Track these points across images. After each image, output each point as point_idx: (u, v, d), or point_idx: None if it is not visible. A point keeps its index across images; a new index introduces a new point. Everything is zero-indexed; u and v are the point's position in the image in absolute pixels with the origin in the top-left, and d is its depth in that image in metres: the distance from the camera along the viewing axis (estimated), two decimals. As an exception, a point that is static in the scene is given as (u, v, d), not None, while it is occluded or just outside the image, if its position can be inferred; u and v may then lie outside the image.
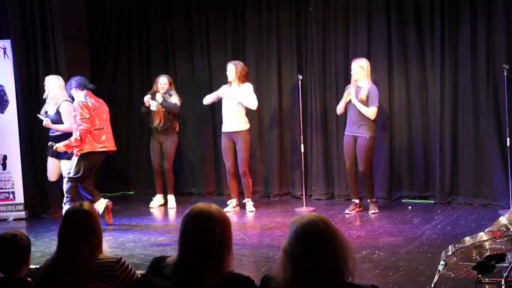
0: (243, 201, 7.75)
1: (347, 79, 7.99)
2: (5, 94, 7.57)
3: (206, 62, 8.84)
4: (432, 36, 7.56)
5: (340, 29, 8.06)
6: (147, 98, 7.95)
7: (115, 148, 7.06)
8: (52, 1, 7.97)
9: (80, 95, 6.77)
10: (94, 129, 6.74)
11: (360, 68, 7.05)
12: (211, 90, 8.70)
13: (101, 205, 6.83)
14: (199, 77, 8.85)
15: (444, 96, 7.55)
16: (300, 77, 7.77)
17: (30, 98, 7.89)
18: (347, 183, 8.06)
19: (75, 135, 6.70)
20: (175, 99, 7.94)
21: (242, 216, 7.48)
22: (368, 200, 7.33)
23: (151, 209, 8.05)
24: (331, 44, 8.12)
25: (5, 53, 7.54)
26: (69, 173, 6.80)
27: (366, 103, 7.02)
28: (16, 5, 7.82)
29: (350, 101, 7.13)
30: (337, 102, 8.08)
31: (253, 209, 7.66)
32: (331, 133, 8.19)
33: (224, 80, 8.47)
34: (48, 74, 7.75)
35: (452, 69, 7.50)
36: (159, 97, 7.89)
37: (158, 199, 8.22)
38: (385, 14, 7.80)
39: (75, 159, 6.78)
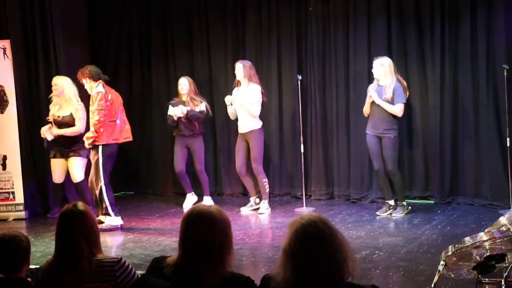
0: (258, 205, 7.69)
1: (347, 79, 8.01)
2: (5, 94, 7.57)
3: (206, 62, 8.84)
4: (432, 36, 7.55)
5: (340, 29, 8.06)
6: (176, 112, 7.78)
7: (127, 140, 7.01)
8: (52, 1, 7.97)
9: (97, 86, 6.70)
10: (109, 121, 6.68)
11: (380, 66, 6.97)
12: (211, 89, 8.72)
13: None
14: (199, 76, 8.84)
15: (444, 96, 7.55)
16: (300, 77, 7.77)
17: (30, 98, 7.90)
18: (347, 183, 8.09)
19: (91, 128, 6.65)
20: (202, 106, 7.86)
21: (242, 216, 7.48)
22: (398, 203, 7.16)
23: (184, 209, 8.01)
24: (331, 44, 8.12)
25: (5, 53, 7.54)
26: (97, 181, 6.68)
27: (391, 101, 6.95)
28: (16, 5, 7.82)
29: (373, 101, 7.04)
30: (337, 102, 8.11)
31: (265, 212, 7.52)
32: (331, 133, 8.19)
33: (224, 81, 8.49)
34: (48, 74, 7.77)
35: (452, 69, 7.50)
36: (184, 109, 7.78)
37: (191, 199, 8.15)
38: (385, 14, 7.79)
39: (98, 162, 6.69)
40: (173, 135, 8.10)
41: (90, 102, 6.74)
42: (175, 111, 7.79)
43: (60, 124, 7.30)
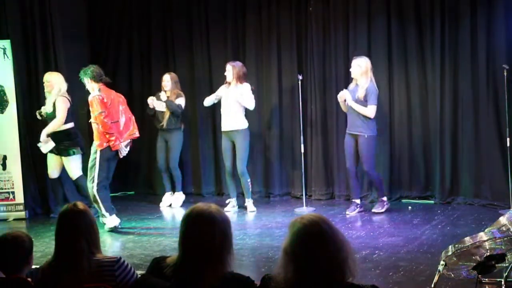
0: (245, 204, 7.74)
1: (347, 79, 8.00)
2: (5, 94, 7.57)
3: (206, 62, 8.84)
4: (432, 36, 7.56)
5: (340, 29, 8.06)
6: (150, 100, 8.02)
7: (133, 136, 7.03)
8: (52, 1, 7.97)
9: (95, 88, 6.69)
10: (111, 122, 6.68)
11: (358, 67, 7.06)
12: (211, 89, 8.70)
13: None
14: (199, 76, 8.85)
15: (444, 96, 7.55)
16: (300, 77, 7.77)
17: (30, 98, 7.90)
18: (347, 183, 8.09)
19: (104, 134, 6.61)
20: (180, 101, 8.01)
21: (242, 216, 7.49)
22: (378, 199, 7.36)
23: (161, 209, 8.11)
24: (331, 44, 8.12)
25: (5, 53, 7.54)
26: (92, 181, 6.68)
27: (364, 102, 7.02)
28: (16, 5, 7.82)
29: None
30: (337, 102, 8.10)
31: (254, 209, 7.67)
32: (331, 133, 8.19)
33: (224, 80, 8.47)
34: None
35: (452, 69, 7.50)
36: (163, 96, 8.02)
37: (167, 198, 8.25)
38: (385, 14, 7.80)
39: (94, 161, 6.69)
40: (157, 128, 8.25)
41: (90, 108, 6.74)
42: (149, 100, 8.04)
43: (47, 120, 7.28)
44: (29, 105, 7.82)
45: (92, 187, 6.65)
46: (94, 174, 6.66)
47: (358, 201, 7.37)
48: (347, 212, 7.28)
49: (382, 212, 7.19)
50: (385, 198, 7.31)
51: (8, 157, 7.57)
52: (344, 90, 7.22)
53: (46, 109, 7.30)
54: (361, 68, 7.04)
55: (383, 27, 7.82)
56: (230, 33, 8.68)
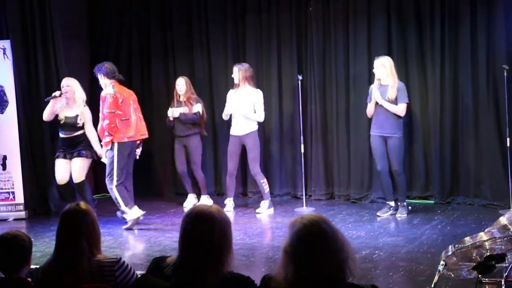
0: (260, 204, 7.66)
1: (347, 79, 8.01)
2: (5, 94, 7.57)
3: (206, 62, 8.84)
4: (432, 36, 7.56)
5: (340, 29, 8.06)
6: (170, 112, 7.94)
7: (143, 137, 7.08)
8: (52, 1, 7.97)
9: (108, 84, 6.75)
10: (121, 119, 6.73)
11: (382, 67, 6.98)
12: (211, 89, 8.72)
13: None
14: (199, 77, 8.84)
15: (444, 96, 7.56)
16: (300, 77, 7.78)
17: (30, 98, 7.90)
18: (347, 183, 8.09)
19: (105, 130, 6.68)
20: (198, 107, 7.92)
21: (242, 216, 7.48)
22: (399, 203, 7.14)
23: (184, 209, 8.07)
24: (331, 44, 8.12)
25: (5, 53, 7.54)
26: (111, 178, 6.73)
27: (395, 101, 6.95)
28: (16, 5, 7.82)
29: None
30: (337, 102, 8.10)
31: (264, 212, 7.52)
32: (331, 133, 8.19)
33: (224, 81, 8.49)
34: (48, 74, 7.78)
35: (452, 69, 7.50)
36: (176, 112, 7.90)
37: (191, 199, 8.21)
38: (385, 14, 7.80)
39: (108, 159, 6.74)
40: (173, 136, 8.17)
41: (100, 103, 6.76)
42: (169, 113, 7.93)
43: (64, 124, 7.26)
44: (29, 105, 7.82)
45: (109, 184, 6.73)
46: (112, 171, 6.72)
47: (392, 203, 7.15)
48: (378, 214, 7.15)
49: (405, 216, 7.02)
50: (405, 203, 7.15)
51: (8, 157, 7.57)
52: (375, 89, 6.99)
53: (66, 114, 7.21)
54: (385, 68, 6.98)
55: (383, 27, 7.81)
56: (230, 33, 8.67)
